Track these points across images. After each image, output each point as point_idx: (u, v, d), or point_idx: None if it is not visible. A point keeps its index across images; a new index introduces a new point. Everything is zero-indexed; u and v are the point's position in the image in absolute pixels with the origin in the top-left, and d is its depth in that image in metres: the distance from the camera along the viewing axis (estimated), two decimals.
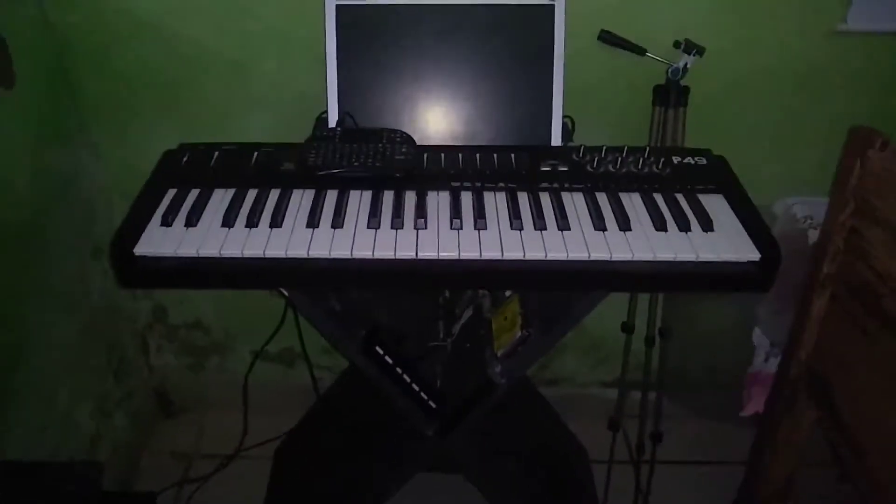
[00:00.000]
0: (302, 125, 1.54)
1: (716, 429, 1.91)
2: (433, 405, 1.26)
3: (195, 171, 1.22)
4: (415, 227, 1.10)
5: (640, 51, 1.57)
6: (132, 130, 1.70)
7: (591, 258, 1.06)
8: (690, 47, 1.55)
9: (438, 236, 1.09)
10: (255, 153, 1.26)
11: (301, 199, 1.17)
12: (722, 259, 1.07)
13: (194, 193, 1.17)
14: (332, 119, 1.39)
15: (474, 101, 1.39)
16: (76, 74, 1.62)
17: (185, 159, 1.24)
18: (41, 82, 1.54)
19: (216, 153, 1.26)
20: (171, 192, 1.18)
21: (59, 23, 1.56)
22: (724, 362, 1.74)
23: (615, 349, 1.86)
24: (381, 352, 1.20)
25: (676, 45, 1.57)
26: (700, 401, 1.87)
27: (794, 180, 1.70)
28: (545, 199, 1.18)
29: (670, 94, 1.59)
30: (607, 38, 1.57)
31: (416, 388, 1.24)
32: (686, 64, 1.56)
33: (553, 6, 1.37)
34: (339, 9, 1.36)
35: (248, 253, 1.05)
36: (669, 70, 1.57)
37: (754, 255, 1.07)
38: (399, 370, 1.22)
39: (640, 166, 1.23)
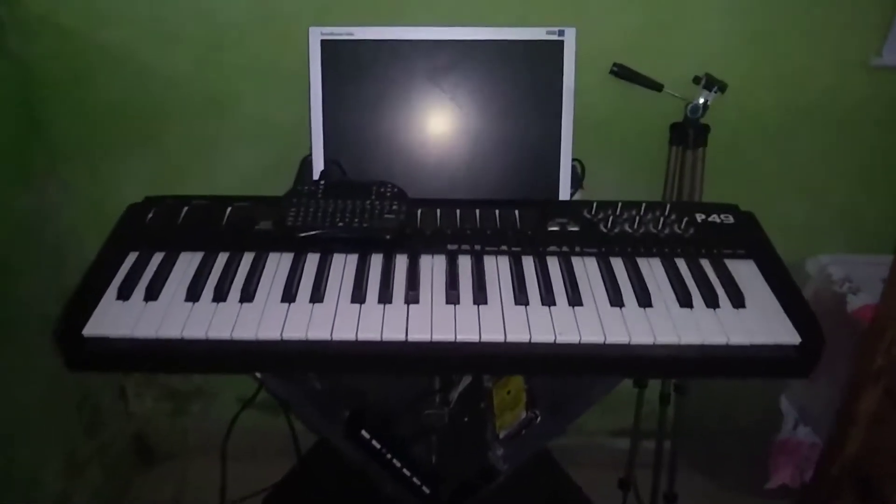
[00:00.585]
0: (287, 166, 1.42)
1: (736, 499, 1.76)
2: (426, 490, 1.13)
3: (160, 230, 1.09)
4: (405, 301, 0.97)
5: (657, 86, 1.44)
6: (104, 168, 1.57)
7: (608, 342, 0.92)
8: (711, 83, 1.42)
9: (432, 313, 0.95)
10: (229, 209, 1.12)
11: (277, 266, 1.03)
12: (756, 343, 0.93)
13: (158, 258, 1.04)
14: (317, 164, 1.26)
15: (474, 146, 1.26)
16: (43, 109, 1.49)
17: (149, 216, 1.11)
18: (3, 116, 1.41)
19: (185, 208, 1.13)
20: (132, 257, 1.04)
21: (23, 53, 1.42)
22: (744, 424, 1.60)
23: (626, 400, 1.73)
24: (367, 436, 1.07)
25: (696, 80, 1.44)
26: (719, 464, 1.72)
27: (825, 231, 1.56)
28: (553, 265, 1.05)
29: (689, 132, 1.46)
30: (620, 72, 1.44)
31: (408, 474, 1.11)
32: (706, 101, 1.43)
33: (562, 42, 1.23)
34: (325, 44, 1.23)
35: (214, 335, 0.92)
36: (688, 107, 1.43)
37: (793, 339, 0.93)
38: (388, 455, 1.08)
39: (659, 226, 1.10)
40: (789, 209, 1.54)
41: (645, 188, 1.55)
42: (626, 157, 1.54)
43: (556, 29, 1.23)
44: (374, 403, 1.13)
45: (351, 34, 1.23)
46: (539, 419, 1.07)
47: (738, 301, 0.98)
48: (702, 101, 1.42)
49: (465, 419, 1.24)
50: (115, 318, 0.94)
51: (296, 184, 1.34)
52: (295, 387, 1.08)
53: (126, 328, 0.92)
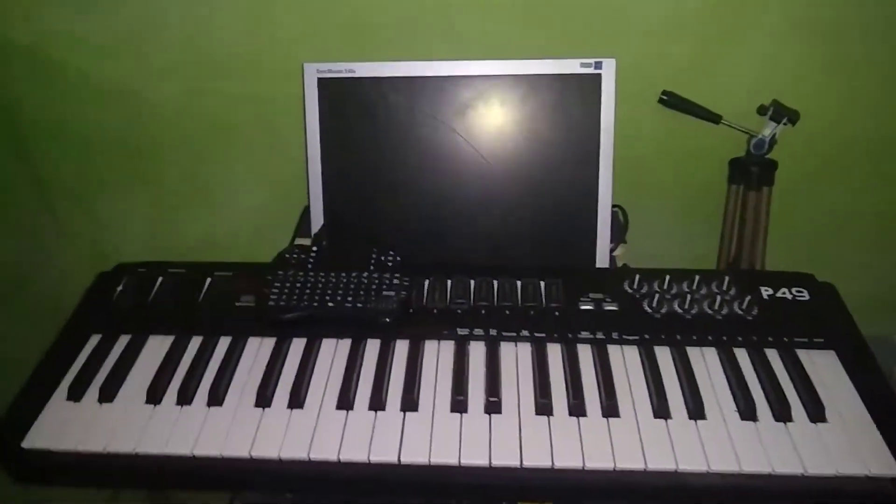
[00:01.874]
0: (290, 207, 1.27)
1: None
2: None
3: (129, 306, 0.95)
4: (402, 408, 0.80)
5: (714, 118, 1.23)
6: (101, 208, 1.44)
7: (649, 469, 0.74)
8: (780, 113, 1.21)
9: (432, 426, 0.78)
10: (208, 280, 0.98)
11: (256, 355, 0.88)
12: (841, 474, 0.73)
13: (122, 343, 0.90)
14: (315, 217, 1.11)
15: (496, 198, 1.09)
16: (31, 146, 1.38)
17: (119, 288, 0.97)
18: None
19: (160, 279, 0.98)
20: (94, 340, 0.91)
21: (8, 87, 1.31)
22: None
23: None
24: None
25: (762, 110, 1.23)
26: None
27: None
28: (585, 356, 0.86)
29: (752, 170, 1.25)
30: (671, 101, 1.24)
31: None
32: (774, 134, 1.22)
33: (599, 75, 1.04)
34: (323, 83, 1.07)
35: (173, 451, 0.77)
36: (753, 142, 1.22)
37: (891, 470, 0.73)
38: None
39: (717, 305, 0.90)
40: (871, 266, 1.31)
41: (700, 236, 1.35)
42: (676, 202, 1.34)
43: (593, 60, 1.04)
44: None
45: (353, 71, 1.06)
46: None
47: (816, 413, 0.78)
48: (769, 134, 1.21)
49: None
50: (60, 428, 0.80)
51: (294, 236, 1.20)
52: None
53: (71, 441, 0.78)
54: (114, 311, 0.94)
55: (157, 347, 0.90)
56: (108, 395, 0.83)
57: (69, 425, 0.80)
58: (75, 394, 0.83)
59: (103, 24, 1.22)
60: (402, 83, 1.06)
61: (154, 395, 0.83)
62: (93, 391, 0.84)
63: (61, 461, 0.78)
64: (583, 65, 1.04)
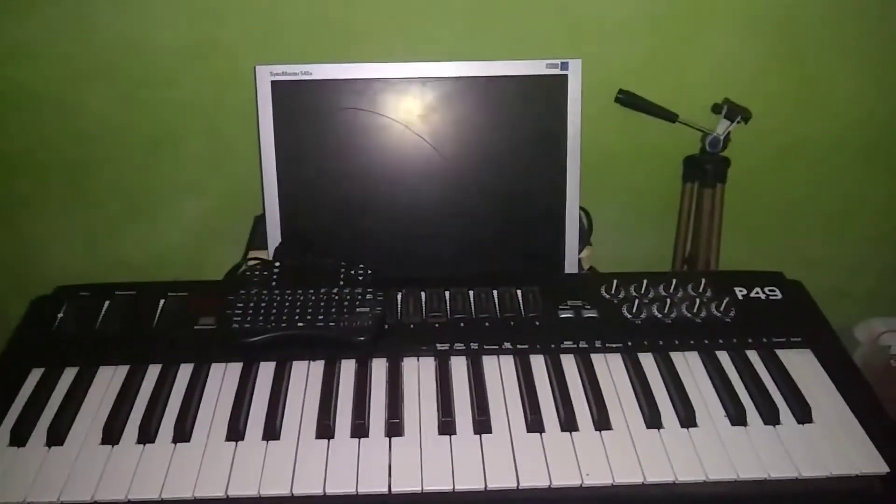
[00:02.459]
0: (241, 217, 1.20)
1: None
2: None
3: (73, 335, 0.86)
4: (386, 434, 0.76)
5: (670, 116, 1.23)
6: (27, 227, 1.32)
7: (647, 482, 0.72)
8: (733, 111, 1.22)
9: (421, 450, 0.74)
10: (162, 302, 0.90)
11: (221, 385, 0.82)
12: (833, 475, 0.73)
13: (69, 376, 0.82)
14: (272, 230, 1.05)
15: (462, 204, 1.05)
16: None
17: (60, 316, 0.88)
18: None
19: (107, 303, 0.90)
20: (35, 375, 0.82)
21: None
22: None
23: None
24: None
25: (716, 108, 1.24)
26: None
27: (875, 289, 1.37)
28: (570, 367, 0.84)
29: (706, 168, 1.27)
30: (627, 100, 1.24)
31: None
32: (728, 132, 1.23)
33: (566, 76, 1.02)
34: (277, 86, 1.00)
35: (138, 496, 0.70)
36: (707, 140, 1.24)
37: (879, 468, 0.74)
38: None
39: (695, 308, 0.90)
40: (822, 260, 1.35)
41: (657, 233, 1.35)
42: (634, 200, 1.34)
43: (558, 61, 1.02)
44: None
45: (309, 73, 1.00)
46: None
47: (803, 414, 0.78)
48: (722, 132, 1.23)
49: None
50: (3, 478, 0.71)
51: (248, 248, 1.13)
52: None
53: (18, 492, 0.70)
54: (56, 341, 0.86)
55: (108, 380, 0.82)
56: (56, 437, 0.75)
57: (14, 474, 0.72)
58: (18, 438, 0.75)
59: (16, 22, 1.11)
60: (362, 85, 1.01)
61: (111, 433, 0.75)
62: (39, 433, 0.75)
63: None
64: (549, 66, 1.02)
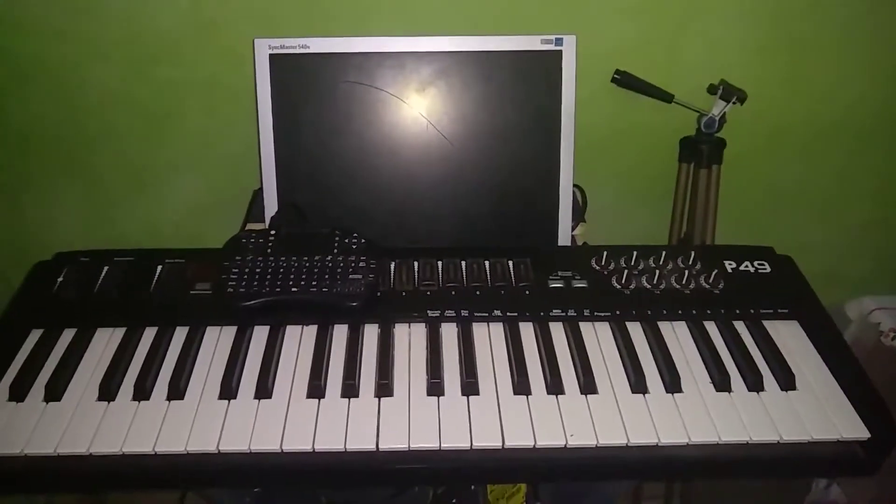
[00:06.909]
0: (239, 192, 1.22)
1: None
2: None
3: (73, 298, 0.88)
4: (376, 395, 0.77)
5: (666, 97, 1.24)
6: (28, 203, 1.34)
7: (631, 444, 0.74)
8: (729, 92, 1.23)
9: (409, 410, 0.76)
10: (159, 268, 0.92)
11: (216, 345, 0.83)
12: (814, 440, 0.75)
13: (67, 337, 0.84)
14: (269, 201, 1.06)
15: (457, 178, 1.06)
16: None
17: (59, 279, 0.90)
18: None
19: (105, 268, 0.92)
20: (35, 336, 0.84)
21: None
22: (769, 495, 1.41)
23: None
24: None
25: (711, 89, 1.25)
26: None
27: (866, 268, 1.37)
28: (558, 334, 0.85)
29: (702, 148, 1.27)
30: (623, 80, 1.24)
31: None
32: (724, 112, 1.24)
33: (560, 52, 1.03)
34: (275, 59, 1.02)
35: (132, 449, 0.72)
36: (703, 121, 1.24)
37: (860, 434, 0.75)
38: None
39: (684, 280, 0.91)
40: (816, 240, 1.35)
41: (652, 213, 1.36)
42: (630, 179, 1.35)
43: (553, 37, 1.03)
44: None
45: (306, 47, 1.02)
46: None
47: (787, 381, 0.80)
48: (718, 113, 1.23)
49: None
50: (3, 431, 0.73)
51: (245, 221, 1.15)
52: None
53: (16, 444, 0.72)
54: (56, 304, 0.88)
55: (106, 341, 0.84)
56: (54, 393, 0.77)
57: (13, 428, 0.74)
58: (17, 393, 0.77)
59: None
60: (360, 59, 1.02)
61: (107, 390, 0.77)
62: (37, 390, 0.77)
63: (7, 467, 0.72)
64: (543, 41, 1.03)
